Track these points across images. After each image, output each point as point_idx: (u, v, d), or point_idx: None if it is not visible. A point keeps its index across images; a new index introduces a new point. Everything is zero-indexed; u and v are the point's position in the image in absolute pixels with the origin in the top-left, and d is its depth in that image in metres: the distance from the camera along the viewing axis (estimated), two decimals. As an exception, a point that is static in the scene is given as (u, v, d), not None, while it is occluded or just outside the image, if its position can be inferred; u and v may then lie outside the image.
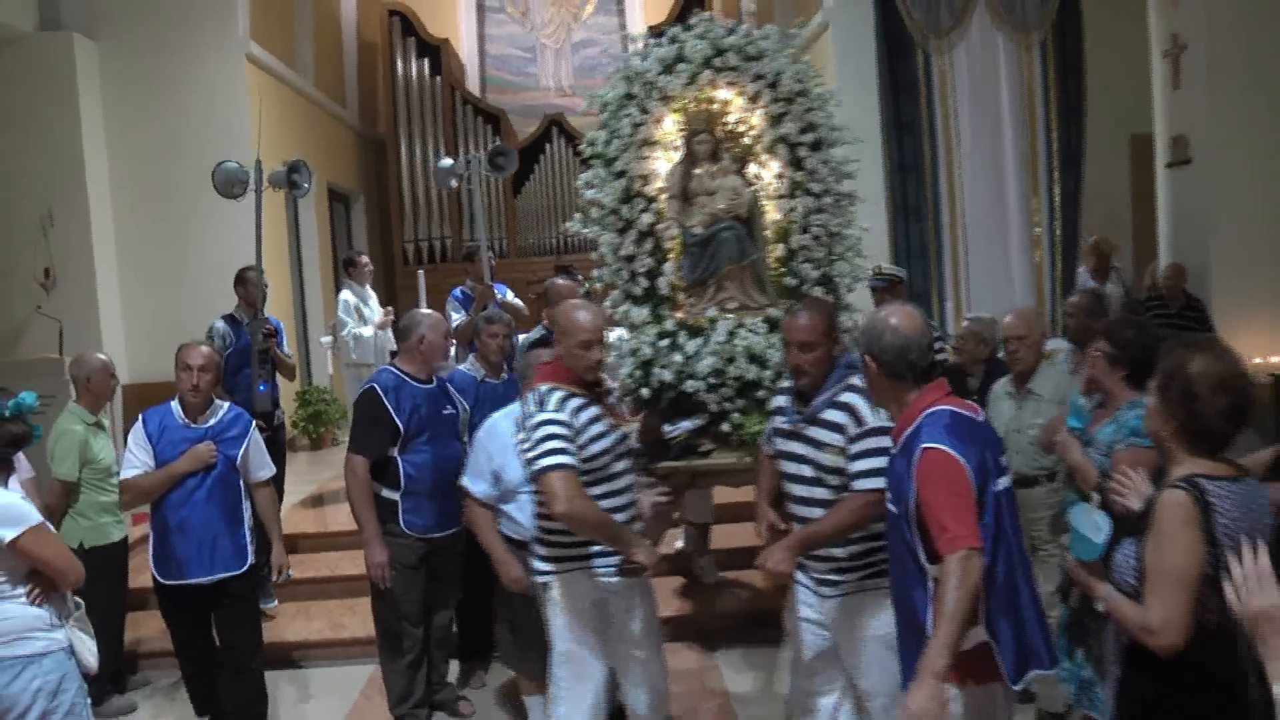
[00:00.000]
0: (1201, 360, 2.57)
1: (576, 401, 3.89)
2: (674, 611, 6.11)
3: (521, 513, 4.44)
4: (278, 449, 6.56)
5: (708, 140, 5.63)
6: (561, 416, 3.83)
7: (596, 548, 3.97)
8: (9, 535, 3.37)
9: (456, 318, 7.55)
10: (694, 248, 5.54)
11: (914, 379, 3.12)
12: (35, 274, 9.11)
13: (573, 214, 6.00)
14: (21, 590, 3.48)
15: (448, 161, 8.78)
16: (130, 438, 4.68)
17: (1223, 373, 2.57)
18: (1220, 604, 2.44)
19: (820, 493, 3.72)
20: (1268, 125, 7.56)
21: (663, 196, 5.71)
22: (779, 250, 5.66)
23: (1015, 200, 8.66)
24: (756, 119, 5.68)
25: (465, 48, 15.17)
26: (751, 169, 5.74)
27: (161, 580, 4.63)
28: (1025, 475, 4.61)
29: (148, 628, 5.99)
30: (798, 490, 3.83)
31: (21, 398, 3.71)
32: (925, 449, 2.92)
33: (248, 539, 4.79)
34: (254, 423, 5.07)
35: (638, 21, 15.22)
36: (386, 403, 4.85)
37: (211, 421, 4.73)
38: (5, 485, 3.55)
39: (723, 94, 5.69)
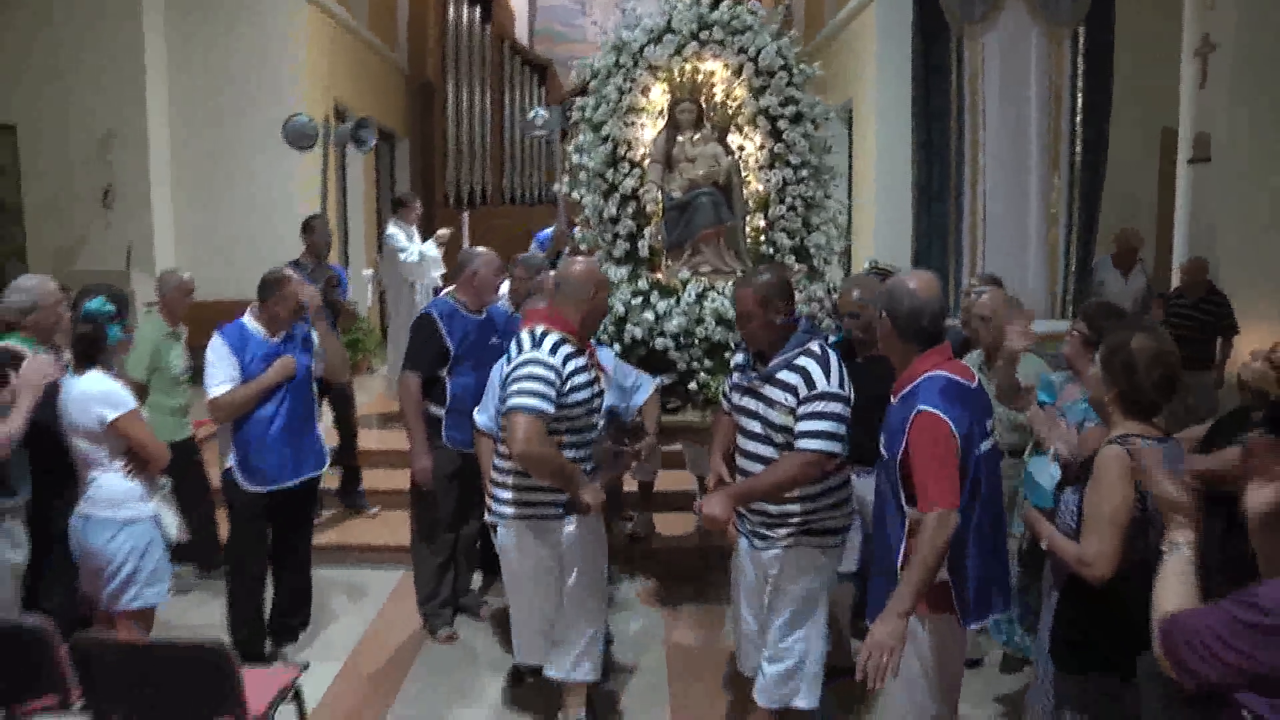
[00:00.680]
0: (1140, 339, 2.95)
1: (568, 349, 3.98)
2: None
3: None
4: (339, 388, 6.94)
5: (691, 109, 5.79)
6: (553, 361, 3.92)
7: (539, 494, 4.05)
8: (110, 416, 3.91)
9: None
10: (672, 211, 5.72)
11: (921, 342, 3.30)
12: (94, 193, 9.45)
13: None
14: (118, 465, 4.01)
15: (542, 113, 9.34)
16: (211, 354, 4.74)
17: (1158, 350, 2.95)
18: (1144, 543, 2.90)
19: (767, 450, 3.83)
20: None
21: (646, 162, 5.84)
22: (758, 220, 5.82)
23: (1036, 187, 8.78)
24: (739, 91, 5.82)
25: (517, 4, 15.30)
26: (734, 140, 5.87)
27: (250, 488, 4.74)
28: None
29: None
30: (747, 445, 3.93)
31: (90, 304, 4.19)
32: (920, 411, 3.14)
33: (323, 440, 5.13)
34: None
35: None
36: (440, 327, 5.15)
37: (284, 335, 4.94)
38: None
39: (708, 65, 5.82)
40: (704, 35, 5.77)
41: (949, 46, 8.73)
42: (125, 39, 9.56)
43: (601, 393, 4.27)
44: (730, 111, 5.89)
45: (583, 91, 6.22)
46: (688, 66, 5.81)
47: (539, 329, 4.01)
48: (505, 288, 5.86)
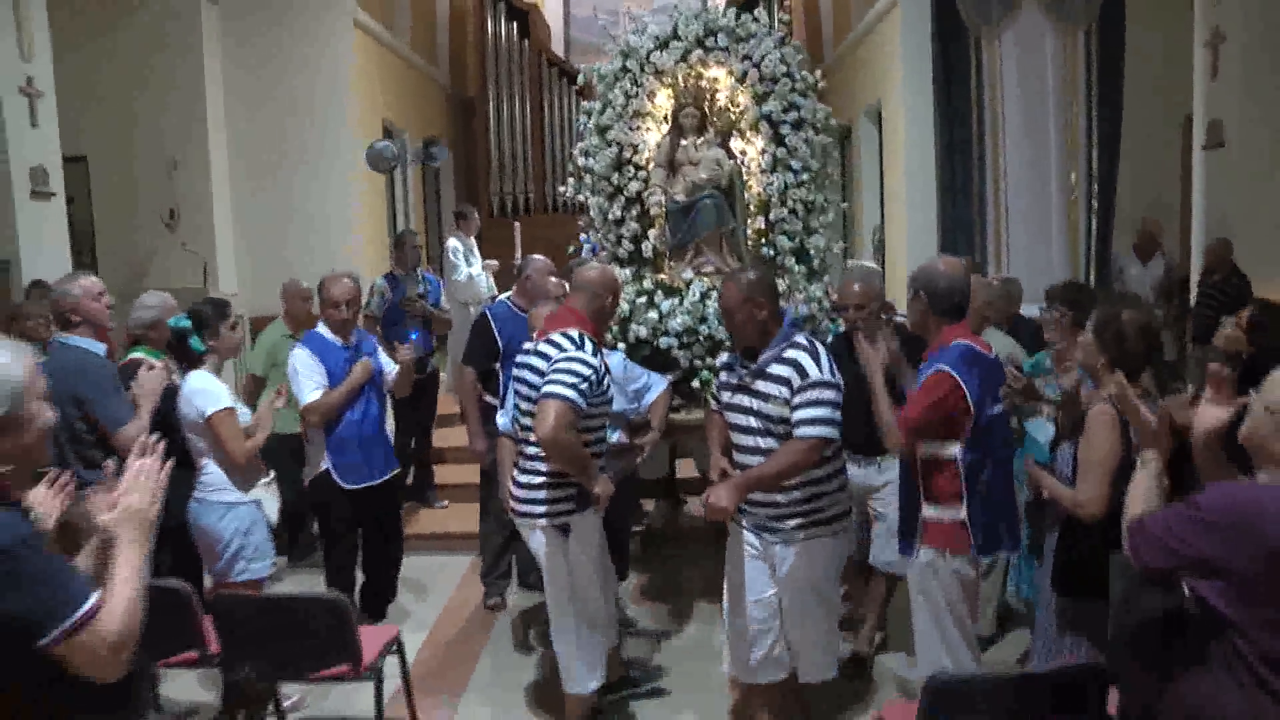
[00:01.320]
0: (1129, 313, 3.53)
1: (598, 353, 4.19)
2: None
3: None
4: (430, 390, 7.56)
5: (695, 114, 5.93)
6: (596, 363, 4.09)
7: (559, 490, 4.17)
8: (207, 411, 4.38)
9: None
10: (676, 214, 5.87)
11: (952, 316, 3.80)
12: (160, 215, 9.99)
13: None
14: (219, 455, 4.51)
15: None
16: (297, 364, 5.06)
17: (1144, 322, 3.55)
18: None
19: (766, 442, 3.96)
20: None
21: (651, 165, 6.00)
22: (759, 222, 5.94)
23: (1055, 180, 9.26)
24: (742, 97, 5.97)
25: (550, 10, 15.46)
26: (736, 144, 6.00)
27: (346, 486, 5.09)
28: None
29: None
30: (745, 440, 4.05)
31: (172, 321, 4.67)
32: (936, 369, 3.68)
33: (391, 443, 5.58)
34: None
35: (715, -13, 16.22)
36: (493, 326, 5.64)
37: (354, 341, 5.29)
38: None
39: (713, 72, 5.97)
40: (709, 42, 5.95)
41: (968, 49, 9.13)
42: (186, 71, 10.05)
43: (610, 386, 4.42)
44: (733, 117, 6.03)
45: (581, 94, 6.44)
46: (692, 72, 5.98)
47: (576, 332, 4.16)
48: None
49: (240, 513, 4.50)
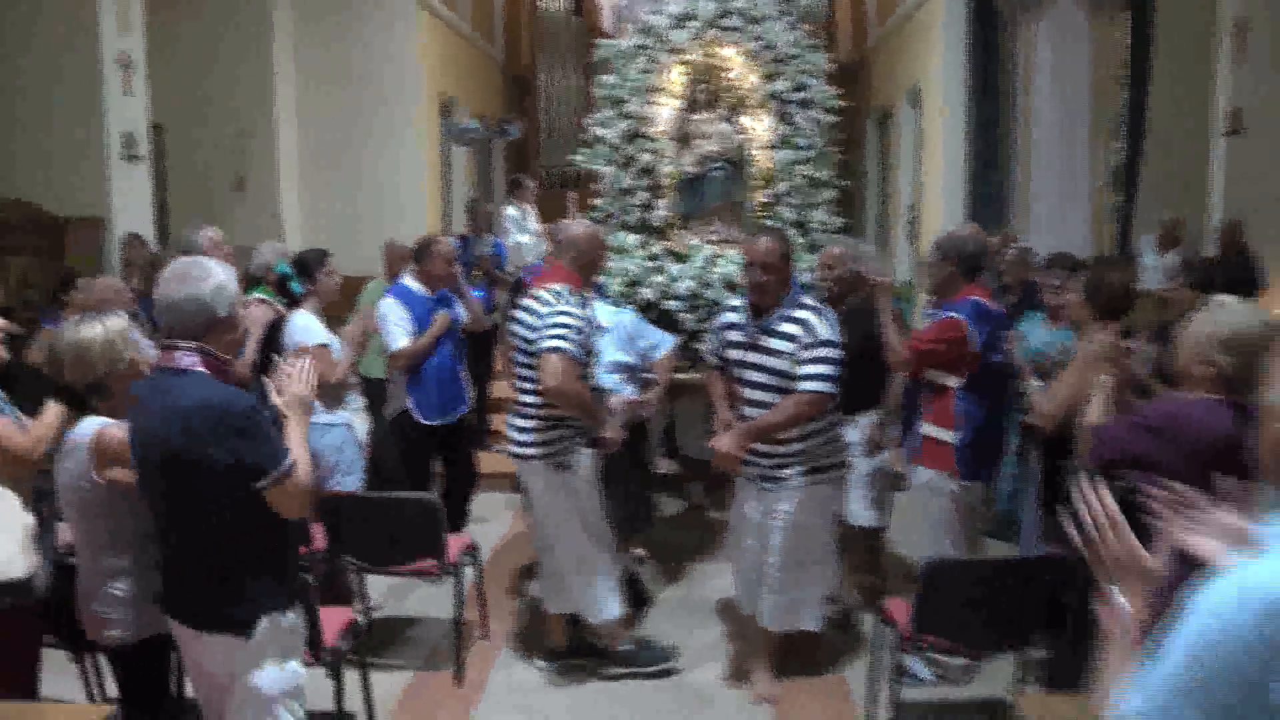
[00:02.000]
0: (1114, 274, 4.24)
1: (583, 304, 4.33)
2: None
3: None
4: (490, 345, 7.84)
5: (706, 90, 6.19)
6: (579, 313, 4.23)
7: (563, 433, 4.34)
8: (307, 344, 4.71)
9: None
10: (686, 184, 6.12)
11: (970, 276, 4.41)
12: (229, 181, 10.74)
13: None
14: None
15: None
16: (389, 314, 5.45)
17: (1126, 281, 4.24)
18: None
19: (773, 396, 4.18)
20: None
21: (663, 138, 6.22)
22: (763, 196, 6.15)
23: (1081, 159, 9.67)
24: (753, 76, 6.18)
25: None
26: (744, 120, 6.20)
27: (426, 421, 5.49)
28: None
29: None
30: (754, 395, 4.26)
31: (276, 266, 5.34)
32: (950, 315, 4.25)
33: (465, 384, 5.90)
34: None
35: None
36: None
37: (437, 293, 5.66)
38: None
39: (726, 51, 6.18)
40: (724, 22, 6.17)
41: (1004, 33, 9.51)
42: (258, 46, 10.76)
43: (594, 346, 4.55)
44: (742, 94, 6.22)
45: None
46: (706, 50, 6.21)
47: (558, 286, 4.29)
48: None
49: (334, 432, 4.89)
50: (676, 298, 5.86)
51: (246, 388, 4.67)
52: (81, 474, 3.00)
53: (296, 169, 11.23)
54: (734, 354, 4.36)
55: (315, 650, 3.43)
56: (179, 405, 2.68)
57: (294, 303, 5.10)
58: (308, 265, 5.07)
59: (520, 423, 4.38)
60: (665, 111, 6.26)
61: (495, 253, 8.35)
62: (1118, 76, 9.41)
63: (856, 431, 4.97)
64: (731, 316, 4.45)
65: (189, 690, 3.13)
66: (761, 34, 6.18)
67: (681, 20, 6.23)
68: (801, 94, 6.19)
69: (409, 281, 5.65)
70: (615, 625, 4.58)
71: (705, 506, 6.84)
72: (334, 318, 5.25)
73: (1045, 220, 9.60)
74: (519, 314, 4.36)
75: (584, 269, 4.45)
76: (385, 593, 5.44)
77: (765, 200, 6.16)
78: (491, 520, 6.81)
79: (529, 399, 4.32)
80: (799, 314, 4.17)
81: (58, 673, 3.61)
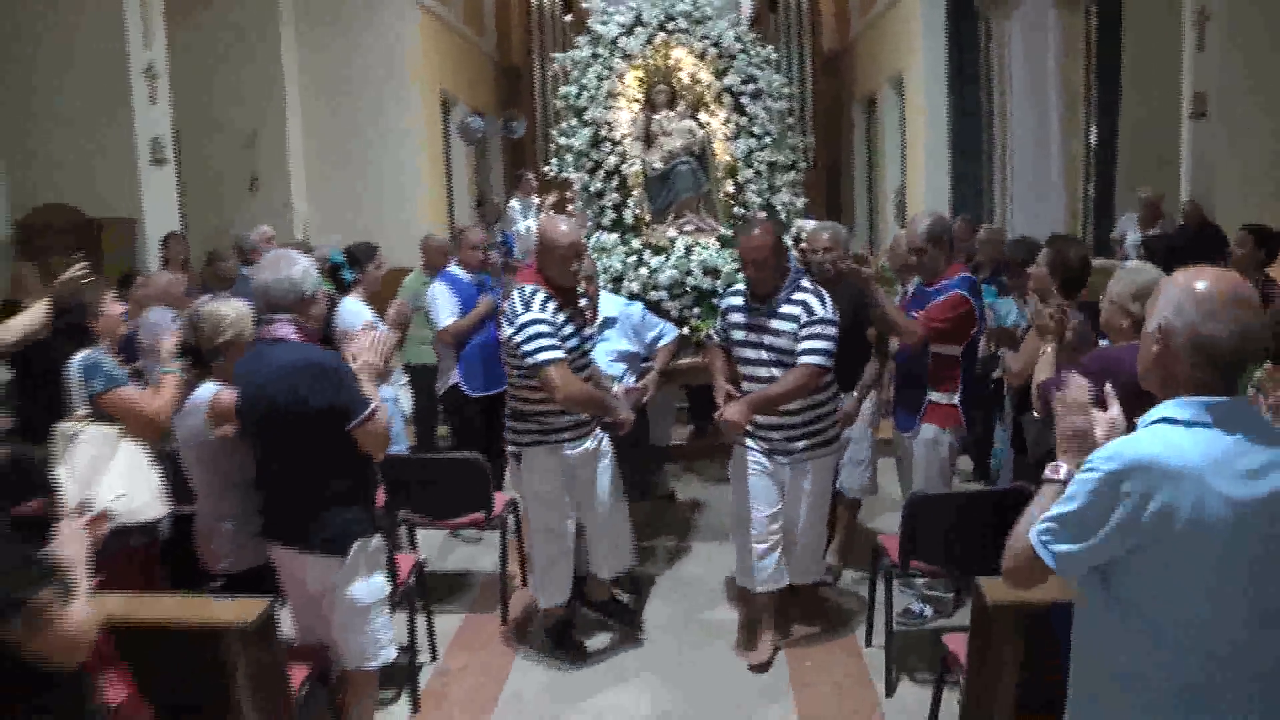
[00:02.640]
0: (1074, 249, 4.93)
1: (554, 303, 4.45)
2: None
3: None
4: None
5: (665, 90, 6.52)
6: (545, 316, 4.37)
7: (562, 424, 4.57)
8: (358, 326, 5.38)
9: None
10: (655, 181, 6.44)
11: (952, 255, 5.12)
12: (242, 181, 11.43)
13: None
14: None
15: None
16: (437, 296, 6.23)
17: (1082, 255, 4.91)
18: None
19: (776, 371, 4.54)
20: (1275, 85, 8.53)
21: (626, 140, 6.51)
22: (729, 186, 6.50)
23: (1056, 143, 10.23)
24: (704, 74, 6.54)
25: None
26: (703, 116, 6.56)
27: (472, 393, 6.19)
28: None
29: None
30: (759, 372, 4.60)
31: (334, 253, 6.00)
32: (956, 293, 4.80)
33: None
34: None
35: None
36: None
37: (480, 279, 6.42)
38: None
39: (676, 52, 6.55)
40: (670, 26, 6.52)
41: (978, 25, 10.14)
42: (265, 52, 11.45)
43: (589, 339, 4.79)
44: (699, 91, 6.58)
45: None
46: (658, 54, 6.54)
47: (528, 287, 4.48)
48: None
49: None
50: (659, 288, 6.18)
51: None
52: (200, 430, 3.71)
53: (304, 168, 11.90)
54: (738, 335, 4.72)
55: (392, 584, 4.09)
56: (282, 364, 3.41)
57: (342, 289, 5.75)
58: (358, 257, 5.75)
59: (513, 422, 4.74)
60: (625, 115, 6.58)
61: (505, 243, 9.05)
62: (1087, 65, 10.06)
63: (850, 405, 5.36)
64: (735, 300, 4.81)
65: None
66: (706, 33, 6.53)
67: (629, 28, 6.57)
68: (751, 85, 6.52)
69: (454, 268, 6.45)
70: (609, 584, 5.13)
71: (672, 492, 7.23)
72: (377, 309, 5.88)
73: (1023, 202, 10.30)
74: (505, 309, 4.61)
75: (547, 264, 4.53)
76: (434, 551, 6.07)
77: (730, 190, 6.51)
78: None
79: (516, 393, 4.64)
80: (798, 295, 4.55)
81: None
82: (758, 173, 6.45)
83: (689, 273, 6.18)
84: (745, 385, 4.67)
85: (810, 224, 6.00)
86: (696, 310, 6.19)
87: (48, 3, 8.70)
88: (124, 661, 2.67)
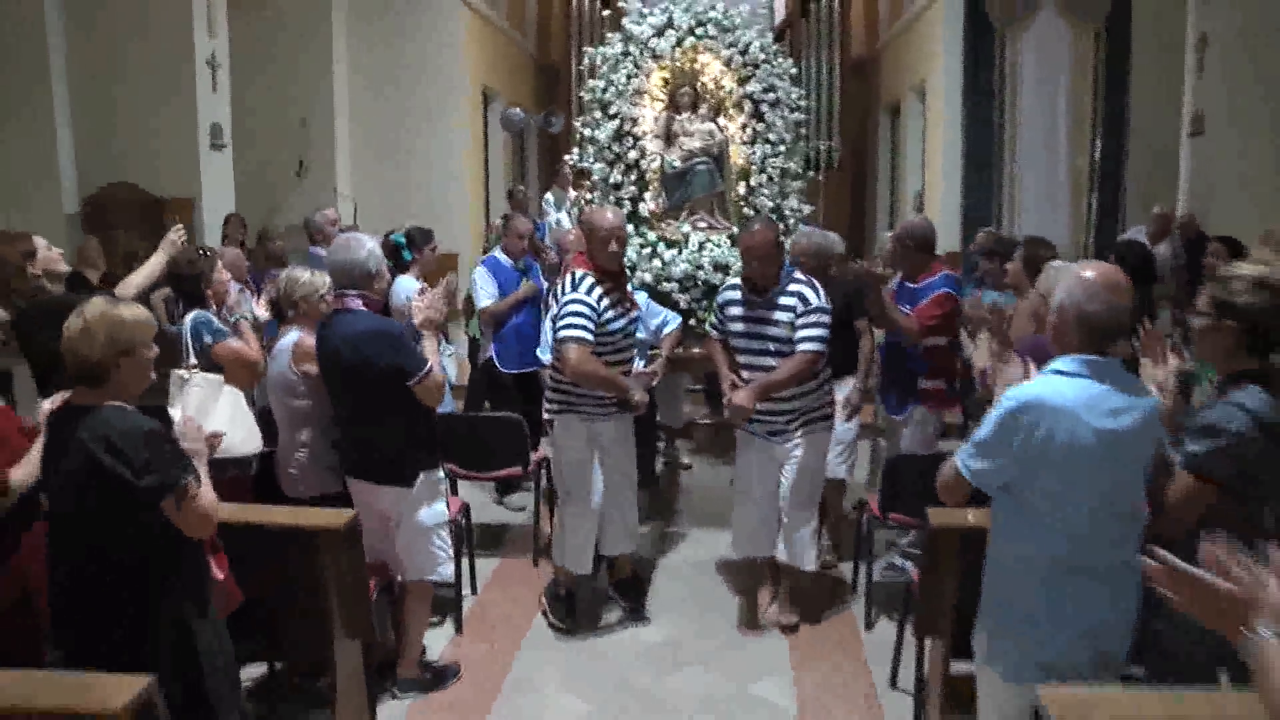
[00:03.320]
0: (1044, 250, 5.61)
1: (600, 289, 4.81)
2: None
3: None
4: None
5: (689, 93, 6.87)
6: (589, 299, 4.75)
7: (586, 398, 4.97)
8: (408, 300, 5.51)
9: None
10: (672, 178, 6.81)
11: (932, 254, 5.65)
12: (290, 165, 12.18)
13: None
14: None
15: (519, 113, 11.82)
16: (478, 279, 6.73)
17: (1051, 255, 5.59)
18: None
19: (773, 360, 4.89)
20: (1268, 109, 9.03)
21: (648, 136, 6.87)
22: (741, 188, 6.88)
23: (1064, 155, 10.98)
24: (727, 80, 6.90)
25: None
26: (721, 120, 6.91)
27: (505, 370, 6.68)
28: None
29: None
30: (756, 360, 4.97)
31: (393, 236, 6.49)
32: (944, 290, 5.38)
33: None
34: None
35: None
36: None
37: (524, 265, 6.84)
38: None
39: (703, 57, 6.90)
40: (699, 31, 6.84)
41: (994, 41, 10.83)
42: (316, 44, 12.20)
43: (636, 319, 5.15)
44: (721, 95, 6.92)
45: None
46: (685, 57, 6.87)
47: (577, 272, 4.89)
48: None
49: None
50: (671, 279, 6.59)
51: None
52: (285, 367, 4.51)
53: (350, 155, 12.67)
54: (736, 326, 5.07)
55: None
56: (354, 330, 4.17)
57: (401, 268, 6.25)
58: (415, 240, 6.51)
59: (549, 394, 5.24)
60: (648, 112, 6.92)
61: (536, 231, 9.78)
62: (1095, 83, 10.77)
63: (841, 393, 5.77)
64: (732, 294, 5.14)
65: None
66: (734, 41, 6.89)
67: (661, 30, 6.90)
68: (771, 95, 6.90)
69: (497, 253, 7.01)
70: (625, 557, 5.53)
71: (689, 464, 7.87)
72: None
73: (1031, 211, 11.01)
74: (552, 294, 5.09)
75: (595, 252, 4.94)
76: (476, 507, 6.57)
77: (743, 192, 6.91)
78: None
79: (552, 372, 5.16)
80: (794, 287, 4.93)
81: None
82: (770, 178, 6.88)
83: (700, 267, 6.61)
84: (745, 374, 5.02)
85: (804, 229, 6.39)
86: (704, 303, 6.56)
87: None
88: (223, 552, 3.43)
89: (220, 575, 3.35)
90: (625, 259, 5.93)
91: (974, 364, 5.39)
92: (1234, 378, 2.95)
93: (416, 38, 12.66)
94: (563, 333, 4.74)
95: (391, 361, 4.11)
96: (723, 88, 6.96)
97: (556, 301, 4.94)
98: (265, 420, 4.72)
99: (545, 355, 5.61)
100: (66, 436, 2.95)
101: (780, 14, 16.71)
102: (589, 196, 7.12)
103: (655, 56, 6.91)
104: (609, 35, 7.16)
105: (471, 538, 5.57)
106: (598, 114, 6.96)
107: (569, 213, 11.26)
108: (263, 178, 11.90)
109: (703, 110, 6.96)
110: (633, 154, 6.88)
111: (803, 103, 7.13)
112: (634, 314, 5.12)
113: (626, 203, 6.82)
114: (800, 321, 4.85)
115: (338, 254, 4.32)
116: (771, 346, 4.94)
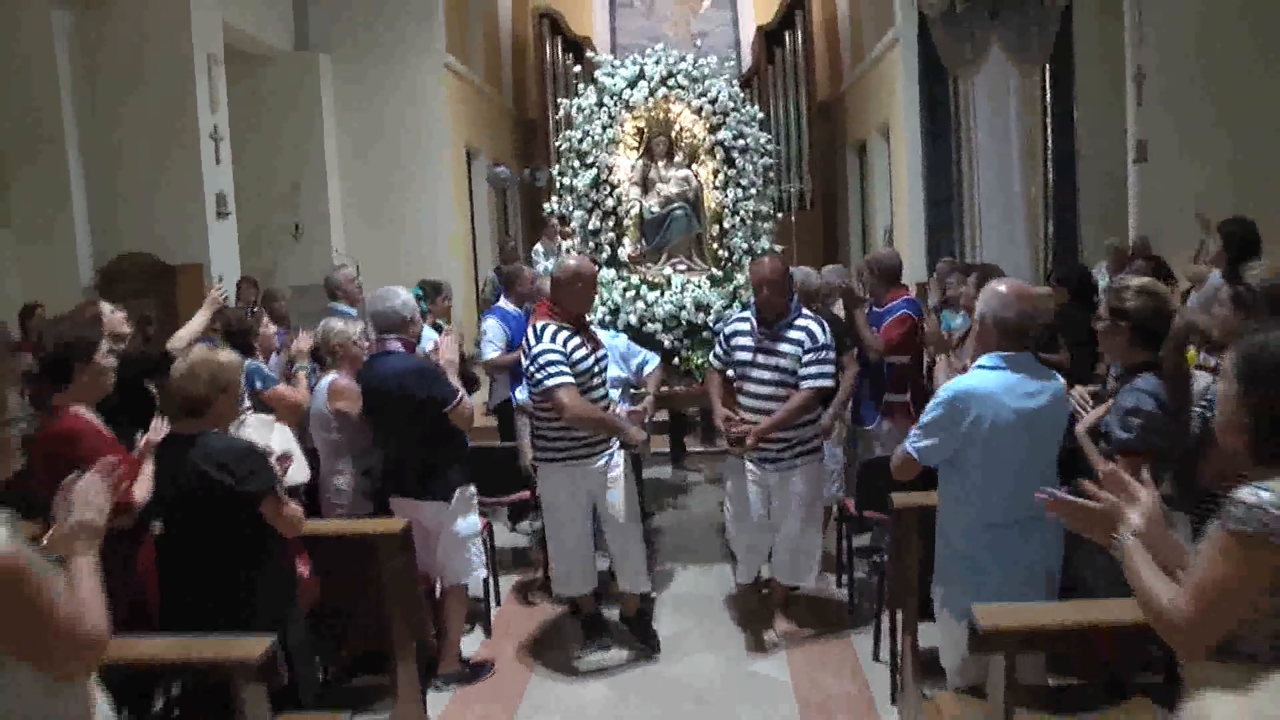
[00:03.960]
0: (995, 274, 6.51)
1: (565, 334, 5.04)
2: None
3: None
4: None
5: (663, 141, 7.25)
6: (555, 345, 4.98)
7: (573, 443, 5.16)
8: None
9: None
10: (651, 223, 7.18)
11: (894, 283, 6.36)
12: (286, 228, 12.97)
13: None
14: None
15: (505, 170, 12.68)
16: (489, 330, 7.06)
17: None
18: None
19: (777, 390, 5.22)
20: (1203, 134, 9.82)
21: (624, 184, 7.18)
22: (714, 230, 7.29)
23: (1019, 187, 11.86)
24: (698, 129, 7.28)
25: (600, 39, 17.97)
26: (695, 166, 7.32)
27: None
28: None
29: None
30: (761, 389, 5.27)
31: (414, 290, 7.48)
32: (904, 313, 6.13)
33: None
34: None
35: (749, 14, 18.16)
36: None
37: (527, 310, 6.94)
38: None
39: (675, 107, 7.28)
40: (670, 82, 7.22)
41: (948, 83, 11.71)
42: (305, 109, 13.02)
43: (604, 358, 5.33)
44: (695, 143, 7.31)
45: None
46: (658, 107, 7.23)
47: (539, 323, 5.12)
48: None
49: None
50: (656, 320, 6.89)
51: None
52: (323, 405, 5.19)
53: (342, 215, 13.45)
54: (742, 356, 5.35)
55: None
56: (396, 369, 4.89)
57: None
58: (428, 292, 7.25)
59: (537, 441, 5.43)
60: (624, 160, 7.29)
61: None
62: (1043, 118, 11.67)
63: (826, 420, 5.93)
64: (740, 326, 5.44)
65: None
66: (704, 91, 7.29)
67: (633, 82, 7.26)
68: (741, 141, 7.31)
69: (504, 303, 7.41)
70: (638, 598, 5.67)
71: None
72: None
73: (990, 242, 11.84)
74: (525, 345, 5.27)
75: (566, 301, 5.20)
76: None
77: (717, 234, 7.34)
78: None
79: (540, 418, 5.33)
80: (801, 323, 5.26)
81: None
82: (743, 220, 7.33)
83: (682, 307, 6.97)
84: (748, 401, 5.33)
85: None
86: (686, 341, 6.92)
87: (132, 75, 10.15)
88: (306, 553, 4.16)
89: (304, 571, 4.07)
90: (596, 303, 6.35)
91: (935, 379, 6.17)
92: (1132, 369, 3.70)
93: (400, 100, 13.49)
94: (547, 382, 4.96)
95: (430, 393, 4.83)
96: (694, 135, 7.40)
97: (525, 354, 5.17)
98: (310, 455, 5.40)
99: (522, 394, 5.77)
100: (177, 459, 3.67)
101: (748, 61, 17.64)
102: (567, 244, 7.50)
103: (629, 107, 7.32)
104: (582, 88, 7.56)
105: (494, 554, 6.23)
106: (575, 163, 7.37)
107: (557, 261, 12.01)
108: (260, 241, 12.60)
109: (678, 158, 7.42)
110: (610, 201, 7.32)
111: (771, 147, 7.61)
112: (600, 352, 5.32)
113: (605, 248, 7.25)
114: (807, 358, 5.19)
115: (377, 304, 5.05)
116: (775, 377, 5.26)
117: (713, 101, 7.32)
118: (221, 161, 10.72)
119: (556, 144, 7.63)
